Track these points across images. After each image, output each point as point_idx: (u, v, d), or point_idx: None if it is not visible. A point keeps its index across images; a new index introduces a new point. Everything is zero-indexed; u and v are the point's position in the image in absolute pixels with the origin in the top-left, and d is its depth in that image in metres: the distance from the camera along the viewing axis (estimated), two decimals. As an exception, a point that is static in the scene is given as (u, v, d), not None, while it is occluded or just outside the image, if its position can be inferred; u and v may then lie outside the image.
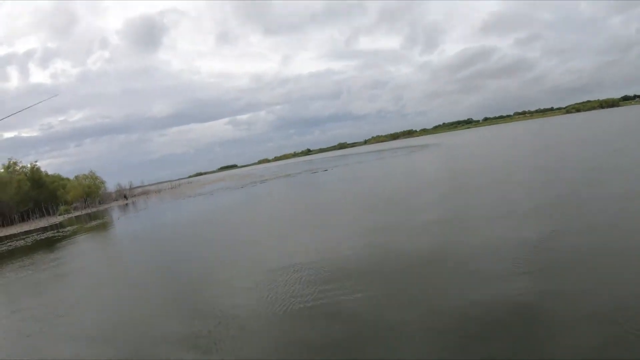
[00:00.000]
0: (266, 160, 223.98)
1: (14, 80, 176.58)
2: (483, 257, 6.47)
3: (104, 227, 25.15)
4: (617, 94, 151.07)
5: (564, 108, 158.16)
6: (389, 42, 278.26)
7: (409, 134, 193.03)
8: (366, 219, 11.45)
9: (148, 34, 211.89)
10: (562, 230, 7.21)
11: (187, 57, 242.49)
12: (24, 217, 44.08)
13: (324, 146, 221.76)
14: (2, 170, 47.23)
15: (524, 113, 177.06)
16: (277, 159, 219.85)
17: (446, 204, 11.81)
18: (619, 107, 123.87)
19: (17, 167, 48.83)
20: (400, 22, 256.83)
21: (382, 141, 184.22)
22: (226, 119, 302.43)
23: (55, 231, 26.98)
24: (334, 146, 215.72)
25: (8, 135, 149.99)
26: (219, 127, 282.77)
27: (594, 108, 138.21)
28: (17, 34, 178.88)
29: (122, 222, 26.19)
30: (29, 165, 50.10)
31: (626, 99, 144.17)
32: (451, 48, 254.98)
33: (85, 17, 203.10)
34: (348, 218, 12.08)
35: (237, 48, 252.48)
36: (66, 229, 26.97)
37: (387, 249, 7.89)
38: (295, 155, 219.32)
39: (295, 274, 7.15)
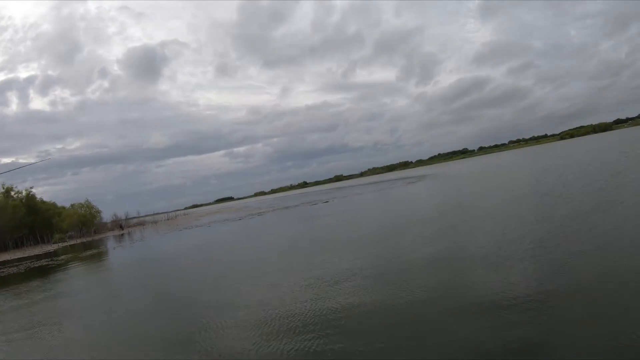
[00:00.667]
0: (263, 193, 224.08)
1: (14, 105, 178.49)
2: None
3: (100, 257, 25.00)
4: (610, 118, 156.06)
5: (558, 135, 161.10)
6: (385, 74, 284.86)
7: (405, 165, 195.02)
8: (369, 249, 11.52)
9: (148, 64, 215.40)
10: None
11: (185, 88, 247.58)
12: (17, 244, 43.63)
13: (320, 179, 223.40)
14: (0, 196, 47.16)
15: (518, 141, 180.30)
16: (273, 191, 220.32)
17: (448, 233, 11.86)
18: (612, 131, 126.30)
19: (12, 193, 48.83)
20: (397, 54, 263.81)
21: (378, 173, 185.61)
22: (222, 152, 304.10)
23: (49, 259, 26.74)
24: (330, 179, 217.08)
25: (5, 160, 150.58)
26: (216, 159, 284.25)
27: (587, 133, 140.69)
28: (19, 60, 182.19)
29: (118, 253, 26.06)
30: (24, 192, 50.21)
31: (618, 122, 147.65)
32: (446, 79, 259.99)
33: (87, 45, 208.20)
34: (351, 249, 12.12)
35: (236, 80, 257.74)
36: (60, 258, 26.74)
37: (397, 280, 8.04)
38: (291, 188, 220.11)
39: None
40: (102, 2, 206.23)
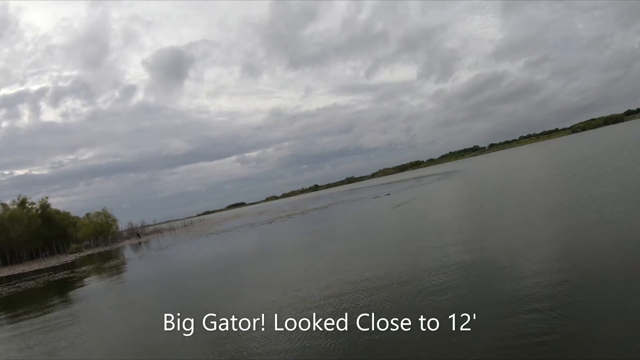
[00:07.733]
0: (274, 198, 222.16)
1: (25, 118, 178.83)
2: None
3: (123, 269, 22.75)
4: (622, 109, 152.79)
5: (569, 128, 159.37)
6: (406, 72, 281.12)
7: (416, 165, 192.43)
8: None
9: (176, 66, 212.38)
10: None
11: (203, 93, 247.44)
12: (33, 255, 41.82)
13: (332, 181, 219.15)
14: (16, 207, 45.38)
15: (529, 137, 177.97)
16: (285, 195, 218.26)
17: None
18: (624, 123, 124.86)
19: (27, 204, 47.04)
20: (419, 51, 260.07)
21: (389, 174, 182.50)
22: (234, 157, 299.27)
23: (69, 271, 24.60)
24: (342, 181, 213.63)
25: (19, 172, 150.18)
26: (228, 165, 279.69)
27: (599, 126, 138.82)
28: (30, 72, 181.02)
29: (142, 264, 23.46)
30: (38, 203, 48.61)
31: (629, 114, 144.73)
32: (465, 75, 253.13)
33: (104, 55, 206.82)
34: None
35: (255, 84, 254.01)
36: (80, 270, 24.57)
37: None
38: (303, 191, 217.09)
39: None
40: (112, 11, 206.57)
